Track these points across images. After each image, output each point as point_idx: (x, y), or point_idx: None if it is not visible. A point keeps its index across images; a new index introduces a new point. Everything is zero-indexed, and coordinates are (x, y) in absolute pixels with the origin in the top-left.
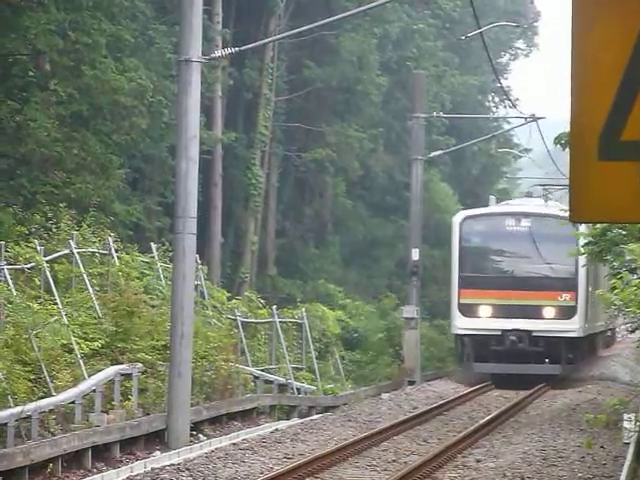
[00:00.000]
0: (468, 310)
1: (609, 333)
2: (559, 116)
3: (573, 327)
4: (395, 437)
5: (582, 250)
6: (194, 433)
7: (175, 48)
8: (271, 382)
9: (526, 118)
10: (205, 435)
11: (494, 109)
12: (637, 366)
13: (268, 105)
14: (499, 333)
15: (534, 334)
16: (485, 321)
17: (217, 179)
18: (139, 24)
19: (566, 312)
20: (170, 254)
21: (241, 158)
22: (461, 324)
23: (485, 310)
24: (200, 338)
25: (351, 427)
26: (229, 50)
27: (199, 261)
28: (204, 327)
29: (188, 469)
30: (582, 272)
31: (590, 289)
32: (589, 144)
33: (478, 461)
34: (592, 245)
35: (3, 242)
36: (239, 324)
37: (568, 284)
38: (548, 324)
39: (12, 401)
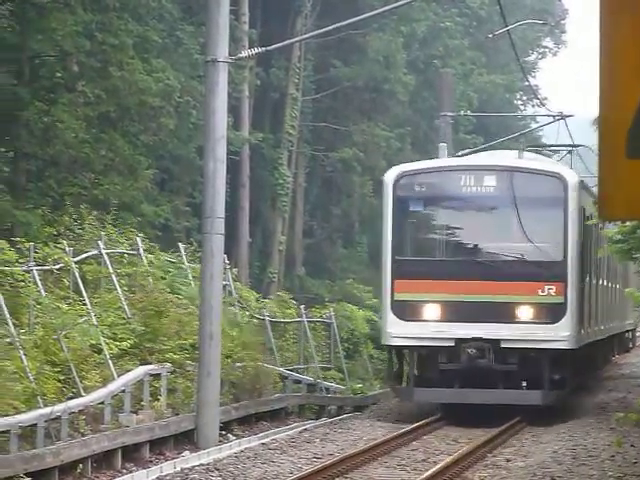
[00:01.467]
0: (406, 310)
1: (628, 335)
2: (588, 114)
3: (561, 334)
4: (425, 437)
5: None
6: (223, 433)
7: (202, 48)
8: (300, 382)
9: (554, 116)
10: (234, 435)
11: (522, 107)
12: None
13: (295, 105)
14: (452, 344)
15: (503, 345)
16: (431, 327)
17: (245, 179)
18: (166, 25)
19: (551, 312)
20: (198, 254)
21: (268, 158)
22: (396, 331)
23: (431, 310)
24: (228, 338)
25: (380, 427)
26: (256, 50)
27: (227, 261)
28: (232, 327)
29: (217, 469)
30: (574, 252)
31: (589, 278)
32: (617, 142)
33: (508, 460)
34: (621, 243)
35: (32, 243)
36: (267, 324)
37: (554, 271)
38: (524, 330)
39: (42, 402)
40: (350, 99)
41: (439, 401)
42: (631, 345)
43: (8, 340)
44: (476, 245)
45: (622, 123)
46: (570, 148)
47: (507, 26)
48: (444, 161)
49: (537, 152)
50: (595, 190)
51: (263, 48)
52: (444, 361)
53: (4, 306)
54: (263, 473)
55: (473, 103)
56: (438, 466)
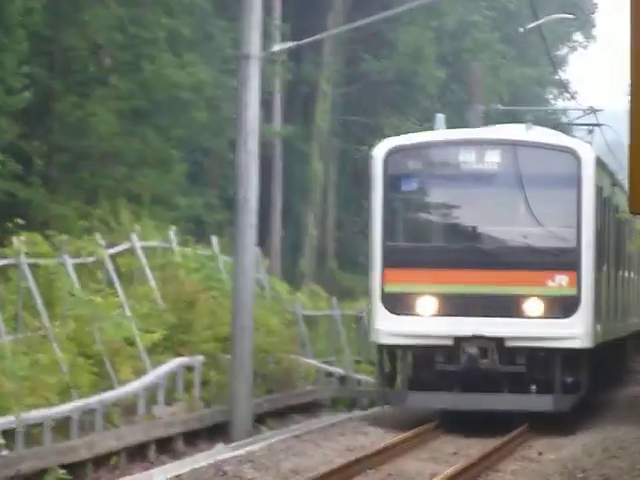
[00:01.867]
0: (398, 304)
1: None
2: (618, 108)
3: (574, 331)
4: (456, 430)
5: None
6: (256, 425)
7: (234, 43)
8: (332, 375)
9: (584, 110)
10: (267, 427)
11: (553, 101)
12: None
13: (326, 98)
14: (450, 343)
15: (508, 344)
16: (427, 322)
17: (276, 173)
18: (197, 19)
19: (562, 306)
20: (231, 247)
21: (299, 152)
22: (387, 327)
23: (426, 304)
24: (261, 330)
25: (411, 419)
26: (287, 45)
27: (260, 254)
28: (265, 319)
29: (251, 461)
30: (590, 238)
31: (607, 267)
32: None
33: (540, 453)
34: None
35: (66, 236)
36: (299, 317)
37: (566, 259)
38: (532, 327)
39: (75, 394)
40: (380, 92)
41: (436, 407)
42: None
43: (42, 332)
44: (477, 229)
45: None
46: (591, 127)
47: (537, 20)
48: (441, 134)
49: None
50: (612, 168)
51: (294, 43)
52: (442, 361)
53: (38, 298)
54: (296, 465)
55: (504, 96)
56: (470, 459)
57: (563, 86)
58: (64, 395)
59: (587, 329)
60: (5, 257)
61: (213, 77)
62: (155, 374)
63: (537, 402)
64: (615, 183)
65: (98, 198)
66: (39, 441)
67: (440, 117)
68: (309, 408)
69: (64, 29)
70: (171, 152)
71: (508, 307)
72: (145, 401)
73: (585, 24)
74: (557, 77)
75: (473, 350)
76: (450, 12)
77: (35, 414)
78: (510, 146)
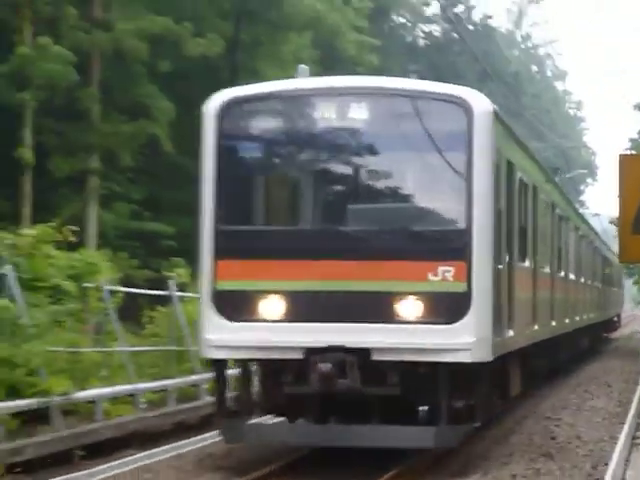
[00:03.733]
0: (234, 307)
1: (615, 318)
2: (611, 213)
3: (463, 341)
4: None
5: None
6: None
7: None
8: None
9: (592, 214)
10: None
11: None
12: None
13: None
14: (299, 356)
15: (376, 357)
16: (270, 330)
17: None
18: None
19: (447, 307)
20: None
21: None
22: (218, 337)
23: (270, 306)
24: None
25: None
26: None
27: None
28: None
29: None
30: (485, 217)
31: (520, 258)
32: (628, 225)
33: (571, 371)
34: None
35: None
36: None
37: (451, 244)
38: (407, 335)
39: None
40: None
41: (279, 442)
42: (618, 325)
43: None
44: (338, 207)
45: (630, 217)
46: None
47: (569, 173)
48: (293, 82)
49: None
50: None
51: None
52: (289, 382)
53: None
54: None
55: None
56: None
57: (582, 204)
58: None
59: (481, 337)
60: None
61: None
62: None
63: (413, 436)
64: (534, 160)
65: None
66: None
67: (302, 68)
68: None
69: None
70: None
71: (377, 309)
72: None
73: (593, 173)
74: (579, 200)
75: (326, 366)
76: None
77: None
78: (381, 97)
